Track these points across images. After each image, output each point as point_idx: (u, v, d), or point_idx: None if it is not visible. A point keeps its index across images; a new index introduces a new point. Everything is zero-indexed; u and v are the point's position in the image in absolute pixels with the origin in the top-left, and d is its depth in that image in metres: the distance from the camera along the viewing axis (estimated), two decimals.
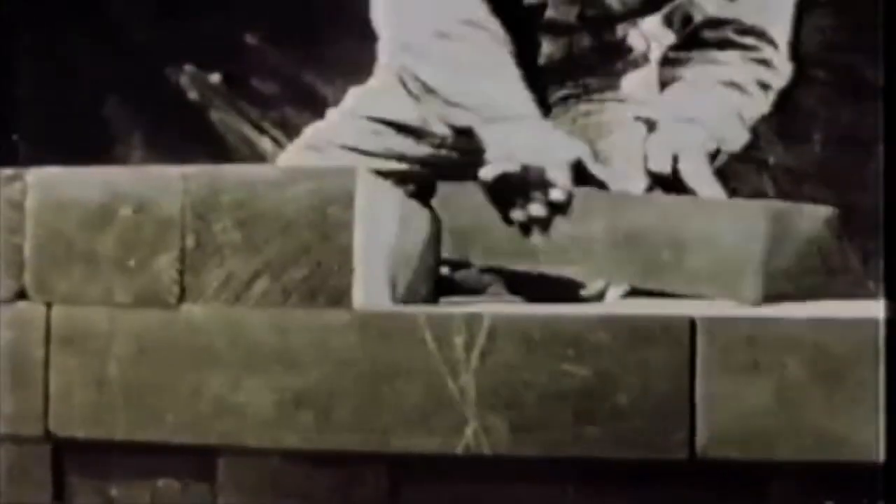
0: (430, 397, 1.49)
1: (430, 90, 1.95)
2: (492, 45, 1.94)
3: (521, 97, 1.91)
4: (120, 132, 3.13)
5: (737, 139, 2.09)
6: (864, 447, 1.45)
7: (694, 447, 1.47)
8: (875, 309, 1.52)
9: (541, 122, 1.92)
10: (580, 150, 1.84)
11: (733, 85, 2.08)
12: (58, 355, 1.56)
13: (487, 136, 1.87)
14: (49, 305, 1.57)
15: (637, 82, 2.15)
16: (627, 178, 1.89)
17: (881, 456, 1.45)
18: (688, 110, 2.03)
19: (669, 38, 2.13)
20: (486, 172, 1.83)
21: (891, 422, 1.44)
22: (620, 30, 2.11)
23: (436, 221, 1.87)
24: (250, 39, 3.20)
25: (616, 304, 2.00)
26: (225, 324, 1.53)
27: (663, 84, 2.12)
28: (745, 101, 2.10)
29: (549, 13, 2.05)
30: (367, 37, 2.13)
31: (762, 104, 2.14)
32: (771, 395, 1.46)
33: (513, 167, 1.81)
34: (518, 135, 1.85)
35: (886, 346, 1.46)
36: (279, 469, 1.53)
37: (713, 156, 2.02)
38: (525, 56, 2.01)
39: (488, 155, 1.85)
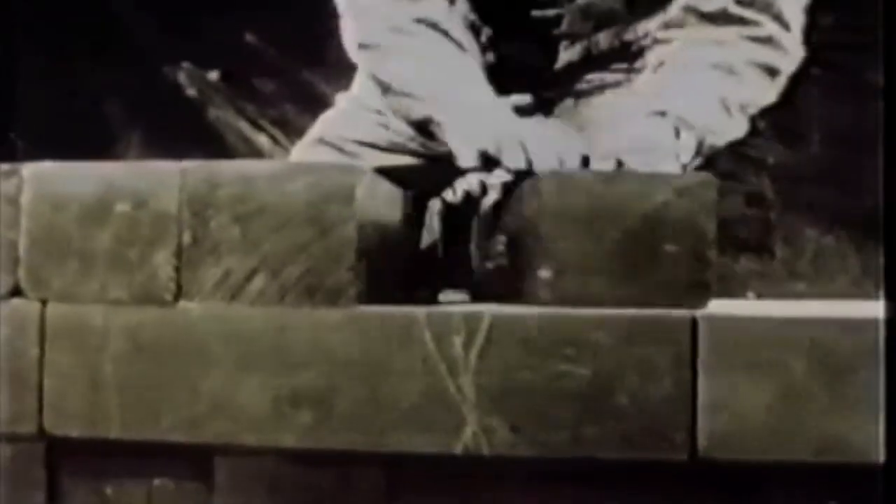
0: (428, 397, 1.48)
1: (386, 87, 1.94)
2: (447, 43, 1.93)
3: (479, 84, 1.88)
4: (118, 130, 3.13)
5: (723, 130, 1.96)
6: (864, 448, 1.44)
7: (695, 448, 1.46)
8: (875, 309, 1.51)
9: (503, 108, 1.88)
10: (549, 135, 1.79)
11: (721, 67, 1.94)
12: (53, 353, 1.54)
13: (447, 125, 1.85)
14: (44, 302, 1.56)
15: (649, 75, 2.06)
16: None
17: (881, 457, 1.44)
18: (660, 102, 1.93)
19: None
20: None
21: (891, 422, 1.44)
22: (641, 27, 2.04)
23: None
24: (249, 37, 3.19)
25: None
26: (222, 322, 1.52)
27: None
28: (733, 85, 1.95)
29: (564, 27, 2.01)
30: None
31: (764, 91, 1.99)
32: (773, 396, 1.45)
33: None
34: (479, 122, 1.82)
35: (886, 346, 1.45)
36: (276, 469, 1.52)
37: (698, 150, 1.93)
38: (537, 63, 1.99)
39: (450, 143, 1.83)
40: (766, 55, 1.97)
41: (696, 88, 1.95)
